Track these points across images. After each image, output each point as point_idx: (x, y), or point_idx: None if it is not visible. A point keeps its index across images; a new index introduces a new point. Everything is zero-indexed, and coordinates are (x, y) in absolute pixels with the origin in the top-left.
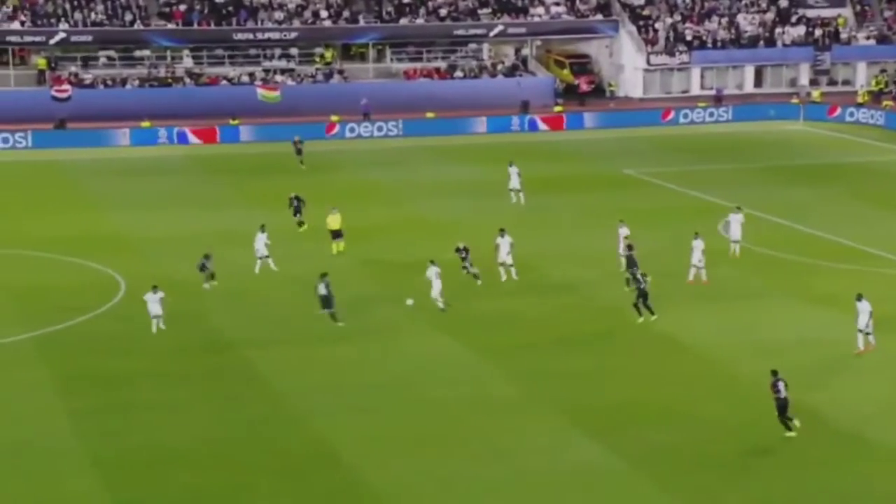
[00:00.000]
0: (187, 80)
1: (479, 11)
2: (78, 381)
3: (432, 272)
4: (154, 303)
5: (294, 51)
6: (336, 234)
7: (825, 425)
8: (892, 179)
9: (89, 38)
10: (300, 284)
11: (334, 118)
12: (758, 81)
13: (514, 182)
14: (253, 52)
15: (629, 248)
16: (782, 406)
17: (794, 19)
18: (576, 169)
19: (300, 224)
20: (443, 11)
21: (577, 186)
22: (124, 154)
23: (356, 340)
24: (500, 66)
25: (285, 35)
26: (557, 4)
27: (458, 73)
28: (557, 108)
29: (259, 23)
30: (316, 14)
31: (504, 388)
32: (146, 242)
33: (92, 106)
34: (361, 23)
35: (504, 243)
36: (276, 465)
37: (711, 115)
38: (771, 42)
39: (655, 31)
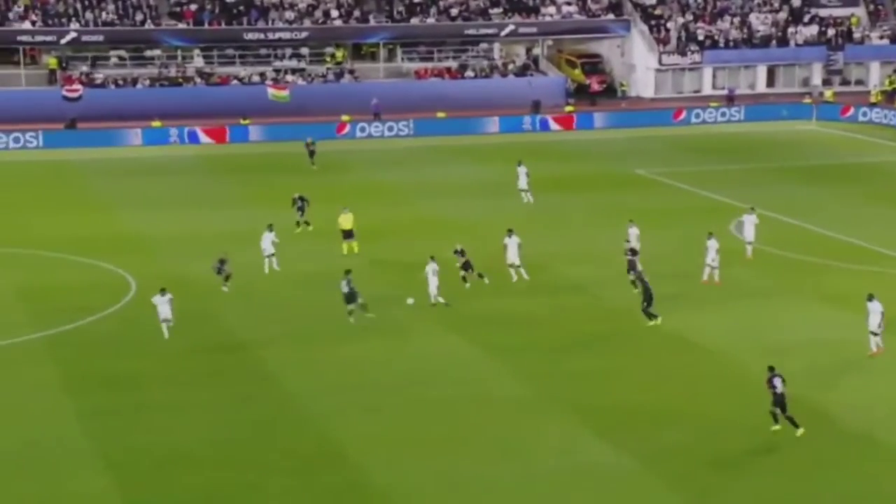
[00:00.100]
0: (198, 79)
1: (491, 11)
2: (88, 381)
3: (430, 269)
4: (164, 305)
5: (305, 50)
6: (347, 234)
7: (835, 425)
8: None
9: (100, 37)
10: (309, 284)
11: (345, 118)
12: (770, 81)
13: (523, 182)
14: (263, 51)
15: (632, 251)
16: (779, 402)
17: (806, 19)
18: (587, 169)
19: (299, 224)
20: (454, 11)
21: (589, 186)
22: (135, 154)
23: (365, 340)
24: (511, 66)
25: (296, 35)
26: (569, 4)
27: (469, 73)
28: (569, 108)
29: (270, 22)
30: (326, 14)
31: (513, 387)
32: (157, 242)
33: (103, 106)
34: (372, 22)
35: (512, 244)
36: (284, 465)
37: (723, 114)
38: (783, 42)
39: (667, 30)
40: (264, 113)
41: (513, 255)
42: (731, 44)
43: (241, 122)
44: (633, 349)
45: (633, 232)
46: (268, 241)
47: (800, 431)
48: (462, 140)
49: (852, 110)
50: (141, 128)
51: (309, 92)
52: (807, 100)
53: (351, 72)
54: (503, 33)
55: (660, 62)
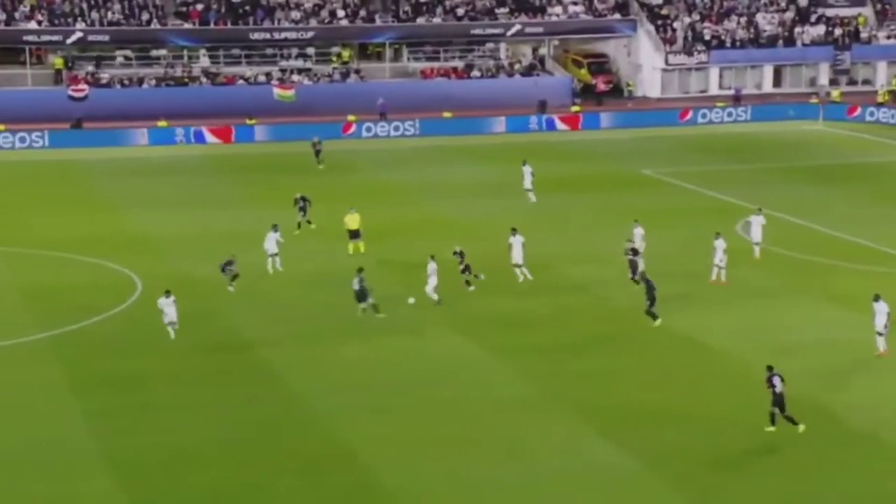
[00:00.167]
0: (204, 79)
1: (497, 11)
2: (94, 381)
3: (430, 268)
4: (169, 306)
5: (311, 50)
6: (354, 234)
7: (839, 425)
8: None
9: (106, 37)
10: (315, 284)
11: (351, 118)
12: (777, 81)
13: (527, 181)
14: (270, 51)
15: (633, 251)
16: (778, 401)
17: (813, 18)
18: (593, 169)
19: (300, 225)
20: (460, 11)
21: (595, 186)
22: (141, 153)
23: (371, 340)
24: (517, 66)
25: (302, 35)
26: (575, 4)
27: (476, 73)
28: (575, 108)
29: (276, 22)
30: (333, 13)
31: (518, 388)
32: (163, 242)
33: (109, 105)
34: (378, 22)
35: (516, 243)
36: (291, 465)
37: (730, 114)
38: (790, 41)
39: (674, 30)
40: (270, 113)
41: (517, 255)
42: (738, 44)
43: (247, 121)
44: (638, 349)
45: (638, 232)
46: (272, 241)
47: (801, 427)
48: (468, 140)
49: (859, 110)
50: (147, 128)
51: (315, 92)
52: (813, 100)
53: (357, 72)
54: (509, 33)
55: (666, 62)
